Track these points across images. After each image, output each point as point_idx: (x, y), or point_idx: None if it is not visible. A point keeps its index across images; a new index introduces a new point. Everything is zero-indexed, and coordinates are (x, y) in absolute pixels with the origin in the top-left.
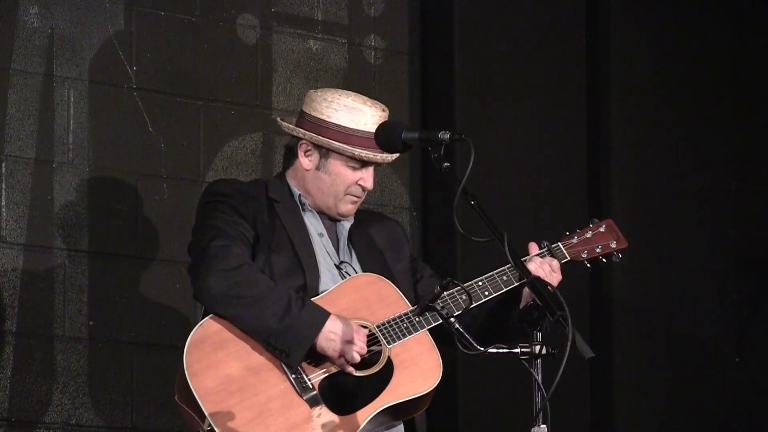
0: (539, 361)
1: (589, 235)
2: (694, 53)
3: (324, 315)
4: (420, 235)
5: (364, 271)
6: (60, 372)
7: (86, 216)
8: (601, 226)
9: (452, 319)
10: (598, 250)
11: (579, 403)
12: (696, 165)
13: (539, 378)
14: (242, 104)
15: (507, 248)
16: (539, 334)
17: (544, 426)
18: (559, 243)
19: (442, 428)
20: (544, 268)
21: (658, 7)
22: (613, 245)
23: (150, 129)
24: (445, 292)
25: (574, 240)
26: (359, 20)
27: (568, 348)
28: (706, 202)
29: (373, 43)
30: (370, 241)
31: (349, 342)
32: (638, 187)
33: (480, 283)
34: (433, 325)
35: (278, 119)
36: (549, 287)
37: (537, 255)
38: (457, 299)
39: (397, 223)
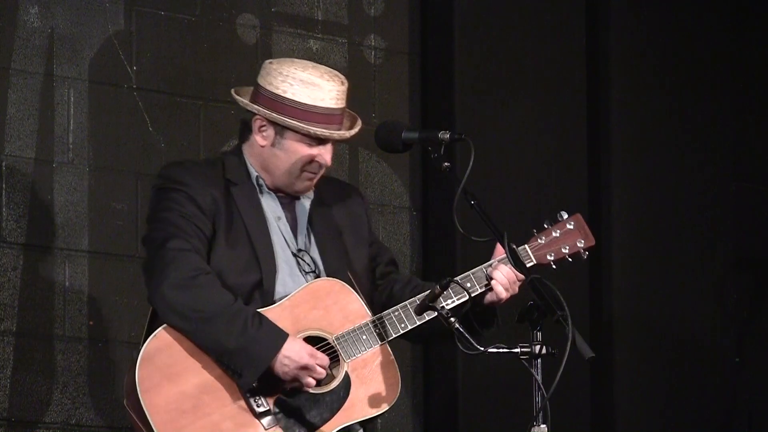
0: (539, 360)
1: (557, 233)
2: (694, 53)
3: (281, 338)
4: (420, 235)
5: (323, 260)
6: (60, 372)
7: (86, 216)
8: (569, 223)
9: (452, 319)
10: (564, 250)
11: (579, 403)
12: (696, 165)
13: (539, 378)
14: None
15: (507, 248)
16: (539, 334)
17: (544, 426)
18: (526, 246)
19: (442, 428)
20: (510, 278)
21: (658, 7)
22: (581, 244)
23: (150, 129)
24: (444, 292)
25: (542, 240)
26: (359, 20)
27: (568, 348)
28: (706, 202)
29: (373, 43)
30: (329, 222)
31: (305, 368)
32: (638, 187)
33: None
34: (393, 337)
35: (232, 91)
36: (549, 287)
37: (502, 260)
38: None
39: (358, 195)
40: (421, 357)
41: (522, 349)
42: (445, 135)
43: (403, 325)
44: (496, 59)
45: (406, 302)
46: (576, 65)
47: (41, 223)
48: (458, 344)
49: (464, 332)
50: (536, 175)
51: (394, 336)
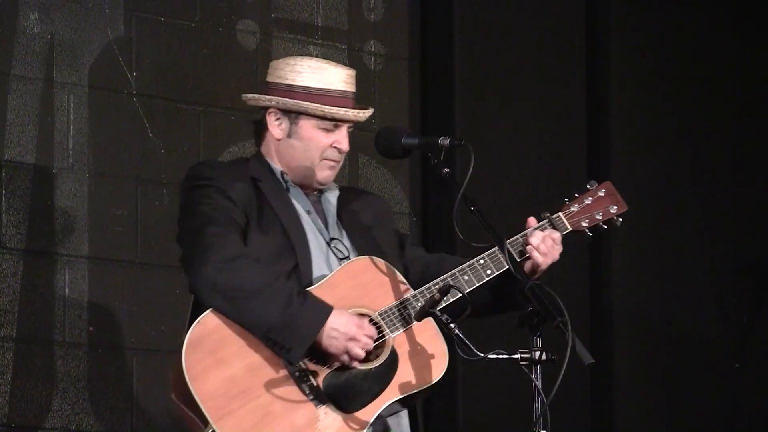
0: (539, 366)
1: (589, 201)
2: (694, 55)
3: (326, 310)
4: (420, 241)
5: (355, 247)
6: (60, 377)
7: (86, 221)
8: (600, 190)
9: (452, 325)
10: (598, 216)
11: (579, 409)
12: (696, 168)
13: (539, 384)
14: (242, 110)
15: (506, 254)
16: (539, 340)
17: None
18: (560, 213)
19: None
20: (546, 243)
21: (658, 8)
22: (614, 210)
23: (150, 134)
24: (444, 297)
25: (575, 208)
26: (359, 26)
27: (568, 354)
28: (706, 205)
29: (372, 49)
30: (357, 217)
31: (353, 339)
32: (638, 190)
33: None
34: (437, 309)
35: (243, 95)
36: (549, 292)
37: (537, 228)
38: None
39: (381, 199)
40: None
41: (522, 355)
42: (444, 141)
43: (446, 297)
44: (496, 64)
45: (446, 274)
46: (576, 67)
47: (41, 229)
48: (458, 350)
49: (464, 338)
50: (536, 179)
51: (438, 308)
